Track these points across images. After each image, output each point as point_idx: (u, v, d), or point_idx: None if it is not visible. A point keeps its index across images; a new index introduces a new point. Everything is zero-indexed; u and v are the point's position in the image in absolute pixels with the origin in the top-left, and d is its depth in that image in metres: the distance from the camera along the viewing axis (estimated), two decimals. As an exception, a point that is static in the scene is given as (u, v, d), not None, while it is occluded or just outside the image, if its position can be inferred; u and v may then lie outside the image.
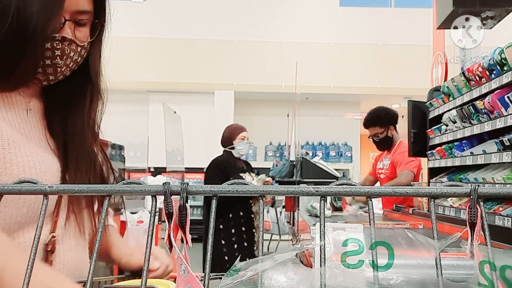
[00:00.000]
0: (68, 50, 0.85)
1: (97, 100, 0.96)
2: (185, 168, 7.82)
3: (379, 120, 3.89)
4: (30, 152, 0.82)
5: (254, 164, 4.26)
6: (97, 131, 0.98)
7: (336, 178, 3.78)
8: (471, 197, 0.46)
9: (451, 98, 2.72)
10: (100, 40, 0.94)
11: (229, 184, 0.53)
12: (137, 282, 0.93)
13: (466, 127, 2.47)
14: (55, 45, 0.83)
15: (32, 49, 0.79)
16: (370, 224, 0.49)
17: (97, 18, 0.91)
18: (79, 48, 0.87)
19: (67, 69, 0.88)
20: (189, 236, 0.53)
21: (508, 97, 1.98)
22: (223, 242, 3.69)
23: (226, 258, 3.65)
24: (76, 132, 0.92)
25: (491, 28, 3.23)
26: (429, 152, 3.07)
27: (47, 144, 0.89)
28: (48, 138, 0.90)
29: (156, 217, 0.58)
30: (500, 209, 2.01)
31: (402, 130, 3.77)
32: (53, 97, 0.92)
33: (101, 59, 0.95)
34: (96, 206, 0.95)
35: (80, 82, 0.93)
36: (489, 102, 2.13)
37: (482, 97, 2.26)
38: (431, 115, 3.09)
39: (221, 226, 3.73)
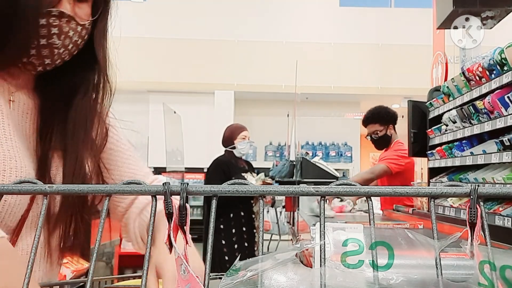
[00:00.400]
0: (67, 28, 0.72)
1: (105, 95, 0.83)
2: (185, 168, 7.83)
3: (380, 117, 3.85)
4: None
5: (254, 164, 4.26)
6: (102, 136, 0.85)
7: (336, 178, 3.77)
8: (471, 197, 0.46)
9: (451, 98, 2.72)
10: (105, 21, 0.81)
11: (229, 184, 0.53)
12: (137, 282, 0.93)
13: (466, 127, 2.47)
14: (51, 21, 0.71)
15: (24, 23, 0.68)
16: (370, 224, 0.49)
17: None
18: (79, 28, 0.74)
19: (66, 51, 0.74)
20: (189, 236, 0.53)
21: (508, 97, 1.98)
22: (223, 242, 3.69)
23: (227, 258, 3.65)
24: (74, 142, 0.78)
25: (491, 28, 3.23)
26: (429, 152, 3.07)
27: (28, 146, 0.77)
28: (34, 141, 0.78)
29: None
30: (500, 209, 2.01)
31: (402, 130, 3.77)
32: (52, 93, 0.80)
33: (106, 43, 0.82)
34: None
35: (83, 72, 0.81)
36: (489, 102, 2.13)
37: (482, 97, 2.26)
38: (431, 115, 3.09)
39: (221, 226, 3.73)
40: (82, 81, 0.81)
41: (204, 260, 0.52)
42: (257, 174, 4.05)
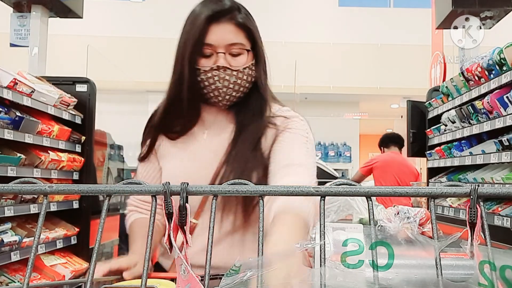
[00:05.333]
0: (223, 75, 1.02)
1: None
2: (184, 168, 7.80)
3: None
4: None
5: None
6: None
7: (335, 178, 3.78)
8: (471, 197, 0.46)
9: (450, 98, 2.73)
10: (261, 63, 1.10)
11: (229, 184, 0.53)
12: (137, 282, 0.92)
13: (465, 127, 2.48)
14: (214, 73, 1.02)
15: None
16: (370, 224, 0.49)
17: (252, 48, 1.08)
18: (234, 72, 1.03)
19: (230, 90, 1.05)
20: (189, 236, 0.53)
21: (507, 97, 1.98)
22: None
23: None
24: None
25: (490, 28, 3.24)
26: (428, 152, 3.07)
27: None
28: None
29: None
30: (499, 209, 2.01)
31: (401, 130, 3.78)
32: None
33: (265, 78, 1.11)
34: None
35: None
36: (488, 102, 2.13)
37: (481, 97, 2.26)
38: (430, 115, 3.09)
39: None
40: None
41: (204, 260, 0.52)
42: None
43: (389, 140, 4.37)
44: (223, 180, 1.03)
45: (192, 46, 1.01)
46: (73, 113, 2.67)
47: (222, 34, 1.01)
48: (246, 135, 1.06)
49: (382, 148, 4.47)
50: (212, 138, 1.09)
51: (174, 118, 1.10)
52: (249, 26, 1.06)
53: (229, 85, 1.02)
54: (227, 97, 1.04)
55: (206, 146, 1.08)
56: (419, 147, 3.23)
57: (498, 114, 2.08)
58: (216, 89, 1.02)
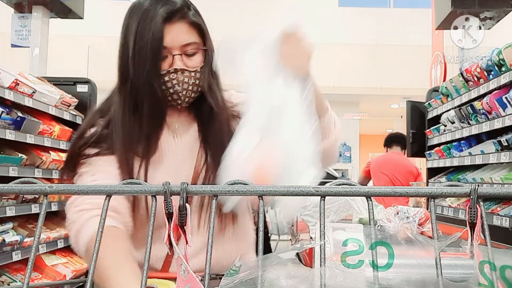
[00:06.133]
0: (182, 78, 0.97)
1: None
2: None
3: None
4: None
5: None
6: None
7: (335, 178, 3.78)
8: (471, 197, 0.46)
9: (449, 99, 2.73)
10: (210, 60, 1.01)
11: (229, 184, 0.53)
12: (137, 282, 0.92)
13: (464, 128, 2.48)
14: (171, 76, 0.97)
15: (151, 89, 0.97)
16: (370, 224, 0.49)
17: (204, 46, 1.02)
18: (192, 73, 0.98)
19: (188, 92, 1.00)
20: (189, 236, 0.53)
21: (506, 97, 1.99)
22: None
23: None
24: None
25: (489, 28, 3.24)
26: (427, 152, 3.07)
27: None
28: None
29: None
30: (498, 209, 2.01)
31: (401, 130, 3.78)
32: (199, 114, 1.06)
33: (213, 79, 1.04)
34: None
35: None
36: (487, 102, 2.13)
37: (480, 97, 2.26)
38: (430, 116, 3.09)
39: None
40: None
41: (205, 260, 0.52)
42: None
43: (392, 140, 4.38)
44: (206, 179, 1.00)
45: (151, 50, 0.94)
46: (74, 113, 2.67)
47: (176, 34, 0.96)
48: (215, 131, 1.03)
49: (386, 148, 4.48)
50: (181, 140, 1.04)
51: (140, 133, 1.00)
52: (201, 24, 1.01)
53: (188, 87, 0.98)
54: (187, 99, 0.99)
55: (178, 150, 1.03)
56: (418, 147, 3.23)
57: (497, 115, 2.08)
58: (175, 92, 0.97)
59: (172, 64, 0.96)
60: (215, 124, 1.04)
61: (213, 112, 1.04)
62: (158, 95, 0.97)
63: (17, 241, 2.04)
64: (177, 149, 1.04)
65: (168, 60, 0.96)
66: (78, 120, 2.70)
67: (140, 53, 0.95)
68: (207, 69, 1.01)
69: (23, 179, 0.55)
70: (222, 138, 0.98)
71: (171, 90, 0.97)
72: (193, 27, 1.00)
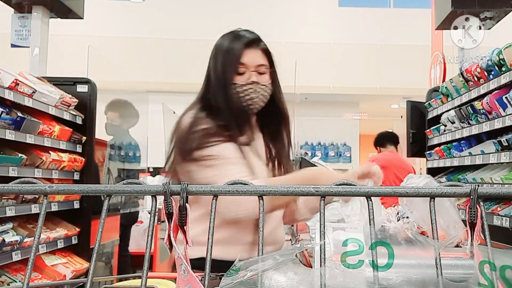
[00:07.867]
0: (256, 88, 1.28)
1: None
2: (185, 168, 7.77)
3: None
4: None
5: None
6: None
7: (335, 178, 3.77)
8: (471, 197, 0.46)
9: (449, 99, 2.73)
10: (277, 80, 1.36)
11: (229, 184, 0.53)
12: (137, 282, 0.93)
13: (464, 128, 2.48)
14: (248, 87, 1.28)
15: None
16: (370, 224, 0.49)
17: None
18: (262, 87, 1.29)
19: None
20: (189, 236, 0.53)
21: (506, 97, 1.99)
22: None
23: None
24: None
25: (489, 28, 3.24)
26: (427, 152, 3.07)
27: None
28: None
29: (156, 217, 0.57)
30: (498, 209, 2.01)
31: (401, 130, 3.78)
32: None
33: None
34: None
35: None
36: (487, 102, 2.13)
37: (480, 97, 2.26)
38: (430, 116, 3.09)
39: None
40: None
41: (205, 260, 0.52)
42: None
43: (385, 139, 4.35)
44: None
45: (231, 64, 1.28)
46: (74, 113, 2.67)
47: (254, 56, 1.30)
48: (278, 136, 1.38)
49: (378, 147, 4.44)
50: (255, 142, 1.32)
51: (238, 126, 1.29)
52: (270, 51, 1.36)
53: (259, 96, 1.28)
54: (258, 106, 1.29)
55: (255, 150, 1.30)
56: (418, 147, 3.23)
57: (497, 115, 2.08)
58: (251, 99, 1.27)
59: (249, 77, 1.29)
60: (277, 131, 1.39)
61: (277, 121, 1.37)
62: (235, 100, 1.28)
63: (17, 241, 2.04)
64: (253, 149, 1.31)
65: (246, 75, 1.29)
66: (78, 120, 2.70)
67: (224, 64, 1.31)
68: (274, 85, 1.34)
69: (23, 179, 0.55)
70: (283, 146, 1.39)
71: (247, 97, 1.28)
72: (265, 53, 1.34)
